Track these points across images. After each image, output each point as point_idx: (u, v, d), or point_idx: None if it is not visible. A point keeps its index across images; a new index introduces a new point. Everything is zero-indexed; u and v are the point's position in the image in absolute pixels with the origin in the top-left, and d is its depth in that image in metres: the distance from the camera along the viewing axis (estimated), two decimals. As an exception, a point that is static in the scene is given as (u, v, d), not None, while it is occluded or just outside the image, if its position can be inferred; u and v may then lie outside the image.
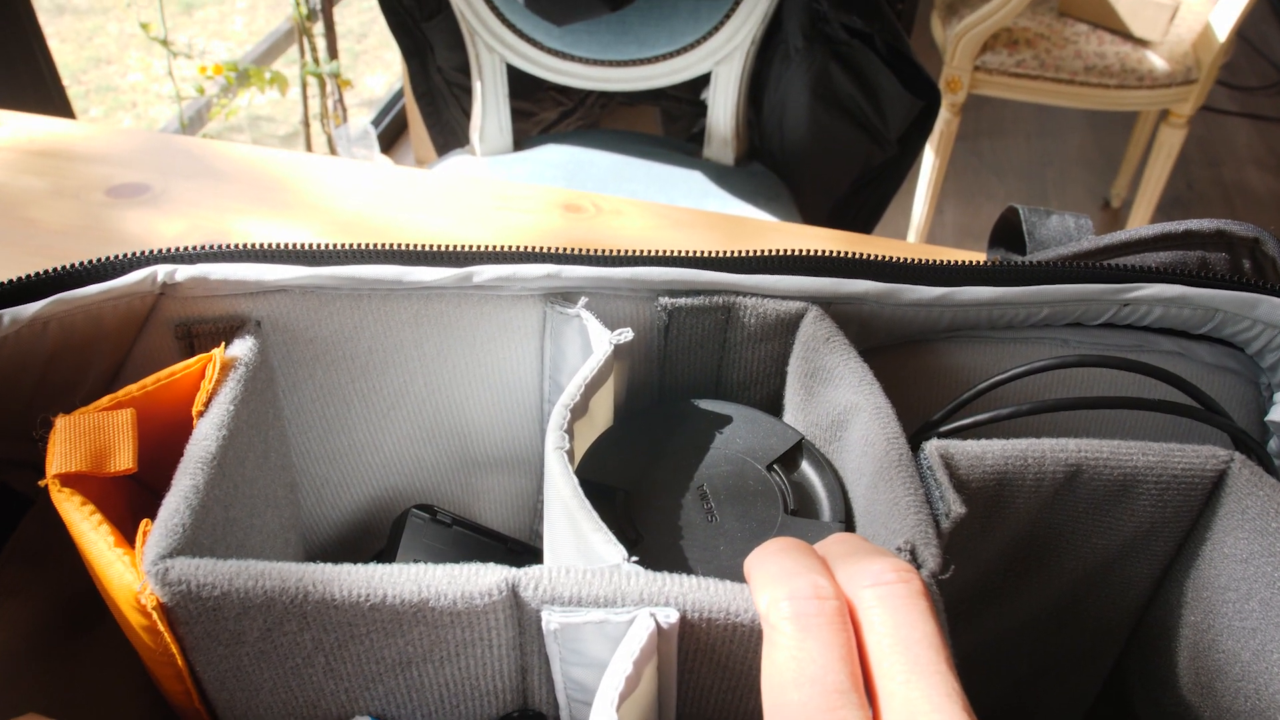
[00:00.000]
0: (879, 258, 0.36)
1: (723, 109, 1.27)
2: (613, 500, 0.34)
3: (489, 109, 1.27)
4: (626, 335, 0.35)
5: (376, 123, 2.22)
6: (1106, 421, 0.40)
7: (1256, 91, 2.62)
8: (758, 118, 1.35)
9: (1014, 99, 1.62)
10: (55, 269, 0.33)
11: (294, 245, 0.35)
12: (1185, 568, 0.35)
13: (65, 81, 1.29)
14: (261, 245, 0.35)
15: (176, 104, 1.52)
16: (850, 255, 0.36)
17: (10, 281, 0.33)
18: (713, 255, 0.36)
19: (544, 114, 1.46)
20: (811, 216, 1.28)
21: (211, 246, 0.35)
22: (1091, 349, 0.39)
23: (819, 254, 0.36)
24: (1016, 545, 0.35)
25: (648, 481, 0.35)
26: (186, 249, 0.35)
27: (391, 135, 2.27)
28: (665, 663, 0.28)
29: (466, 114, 1.32)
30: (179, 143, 0.78)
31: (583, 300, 0.36)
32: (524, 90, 1.34)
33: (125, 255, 0.34)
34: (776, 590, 0.25)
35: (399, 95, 2.28)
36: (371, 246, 0.35)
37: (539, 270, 0.36)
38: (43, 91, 1.27)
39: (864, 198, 1.32)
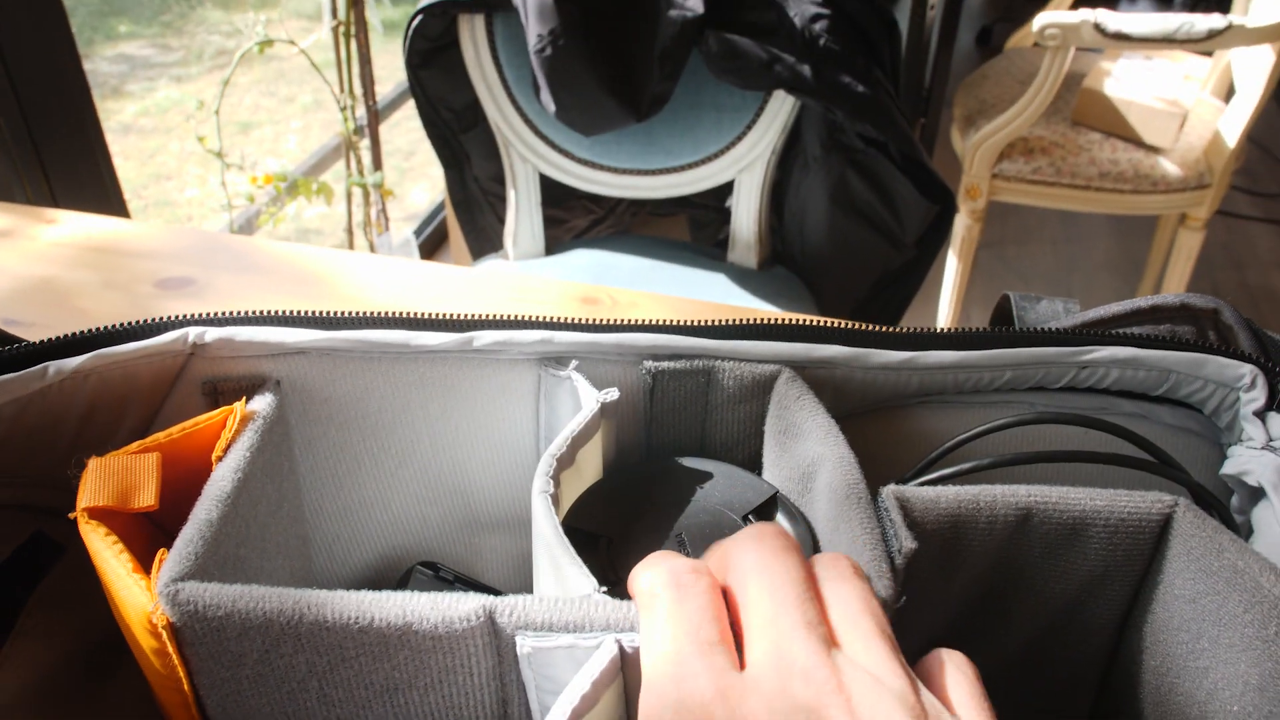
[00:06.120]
0: (847, 325, 0.39)
1: (745, 215, 1.32)
2: (597, 547, 0.36)
3: (522, 216, 1.33)
4: (613, 395, 0.38)
5: (418, 233, 2.31)
6: (1068, 478, 0.41)
7: (1277, 198, 2.66)
8: (779, 223, 1.40)
9: (1032, 205, 1.66)
10: (97, 329, 0.37)
11: (312, 312, 0.39)
12: (1142, 612, 0.36)
13: (126, 195, 1.38)
14: (283, 312, 0.39)
15: (227, 211, 1.61)
16: (819, 323, 0.39)
17: (56, 338, 0.36)
18: (693, 324, 0.39)
19: (575, 221, 1.52)
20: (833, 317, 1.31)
21: (238, 312, 0.39)
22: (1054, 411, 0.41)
23: (791, 322, 0.39)
24: (977, 590, 0.36)
25: (631, 530, 0.37)
26: (216, 314, 0.39)
27: (432, 245, 2.36)
28: (632, 690, 0.30)
29: (501, 220, 1.39)
30: (224, 240, 0.84)
31: (573, 364, 0.39)
32: (556, 198, 1.41)
33: (161, 318, 0.38)
34: (656, 569, 0.29)
35: (440, 207, 2.39)
36: (382, 314, 0.39)
37: (533, 336, 0.39)
38: (105, 204, 1.36)
39: (884, 299, 1.35)
